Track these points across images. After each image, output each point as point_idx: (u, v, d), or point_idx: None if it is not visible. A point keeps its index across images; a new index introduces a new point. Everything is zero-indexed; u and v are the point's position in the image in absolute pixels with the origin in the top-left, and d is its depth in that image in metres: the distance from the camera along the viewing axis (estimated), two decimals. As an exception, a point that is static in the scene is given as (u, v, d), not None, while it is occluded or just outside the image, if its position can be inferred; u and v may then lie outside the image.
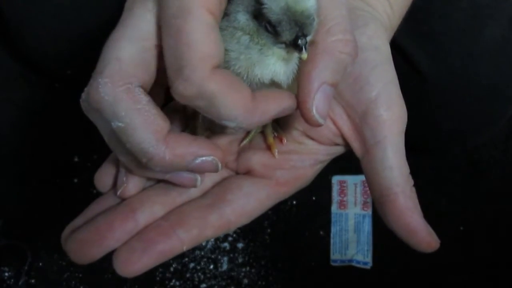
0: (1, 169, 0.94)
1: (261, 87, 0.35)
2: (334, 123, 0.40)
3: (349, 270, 0.92)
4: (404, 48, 0.68)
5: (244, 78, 0.35)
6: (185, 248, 0.36)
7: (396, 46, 0.68)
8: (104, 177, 0.40)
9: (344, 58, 0.33)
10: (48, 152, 0.95)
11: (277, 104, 0.33)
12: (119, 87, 0.32)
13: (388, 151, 0.37)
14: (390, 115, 0.37)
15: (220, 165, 0.35)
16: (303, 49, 0.32)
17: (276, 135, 0.42)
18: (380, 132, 0.37)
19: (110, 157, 0.40)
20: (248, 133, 0.43)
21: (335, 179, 0.97)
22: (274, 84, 0.36)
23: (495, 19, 0.66)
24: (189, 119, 0.43)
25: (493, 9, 0.66)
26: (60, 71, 0.82)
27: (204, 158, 0.34)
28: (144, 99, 0.32)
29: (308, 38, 0.33)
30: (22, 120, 0.97)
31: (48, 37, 0.74)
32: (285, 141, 0.41)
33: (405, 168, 0.37)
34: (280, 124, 0.42)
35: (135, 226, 0.36)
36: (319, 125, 0.34)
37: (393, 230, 0.37)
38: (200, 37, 0.30)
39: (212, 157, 0.34)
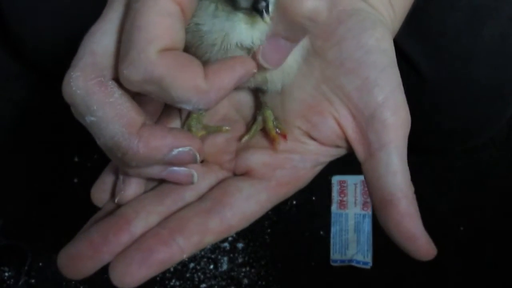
0: (1, 169, 0.94)
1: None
2: (339, 124, 0.39)
3: (349, 270, 0.92)
4: (404, 48, 0.68)
5: (220, 48, 0.33)
6: (185, 256, 0.35)
7: (396, 46, 0.68)
8: (100, 191, 0.39)
9: (299, 20, 0.32)
10: (48, 152, 0.95)
11: (231, 75, 0.32)
12: (91, 80, 0.31)
13: (393, 156, 0.36)
14: (396, 120, 0.36)
15: (198, 156, 0.34)
16: (264, 13, 0.30)
17: (278, 131, 0.41)
18: (386, 136, 0.36)
19: (106, 170, 0.39)
20: (248, 130, 0.42)
21: (335, 179, 0.97)
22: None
23: (494, 19, 0.66)
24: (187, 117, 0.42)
25: (492, 9, 0.66)
26: (60, 71, 0.81)
27: (180, 149, 0.33)
28: (117, 92, 0.32)
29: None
30: (22, 120, 0.97)
31: (48, 37, 0.74)
32: (287, 138, 0.40)
33: (408, 174, 0.37)
34: (282, 121, 0.41)
35: (130, 238, 0.35)
36: (265, 68, 0.34)
37: (392, 235, 0.36)
38: (153, 20, 0.29)
39: (189, 147, 0.33)
